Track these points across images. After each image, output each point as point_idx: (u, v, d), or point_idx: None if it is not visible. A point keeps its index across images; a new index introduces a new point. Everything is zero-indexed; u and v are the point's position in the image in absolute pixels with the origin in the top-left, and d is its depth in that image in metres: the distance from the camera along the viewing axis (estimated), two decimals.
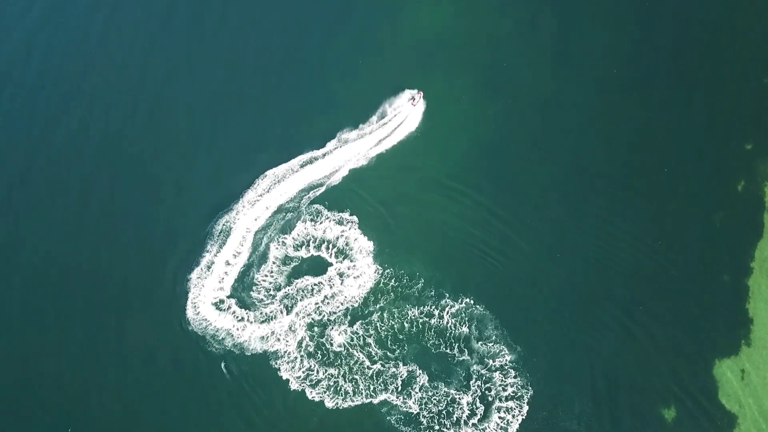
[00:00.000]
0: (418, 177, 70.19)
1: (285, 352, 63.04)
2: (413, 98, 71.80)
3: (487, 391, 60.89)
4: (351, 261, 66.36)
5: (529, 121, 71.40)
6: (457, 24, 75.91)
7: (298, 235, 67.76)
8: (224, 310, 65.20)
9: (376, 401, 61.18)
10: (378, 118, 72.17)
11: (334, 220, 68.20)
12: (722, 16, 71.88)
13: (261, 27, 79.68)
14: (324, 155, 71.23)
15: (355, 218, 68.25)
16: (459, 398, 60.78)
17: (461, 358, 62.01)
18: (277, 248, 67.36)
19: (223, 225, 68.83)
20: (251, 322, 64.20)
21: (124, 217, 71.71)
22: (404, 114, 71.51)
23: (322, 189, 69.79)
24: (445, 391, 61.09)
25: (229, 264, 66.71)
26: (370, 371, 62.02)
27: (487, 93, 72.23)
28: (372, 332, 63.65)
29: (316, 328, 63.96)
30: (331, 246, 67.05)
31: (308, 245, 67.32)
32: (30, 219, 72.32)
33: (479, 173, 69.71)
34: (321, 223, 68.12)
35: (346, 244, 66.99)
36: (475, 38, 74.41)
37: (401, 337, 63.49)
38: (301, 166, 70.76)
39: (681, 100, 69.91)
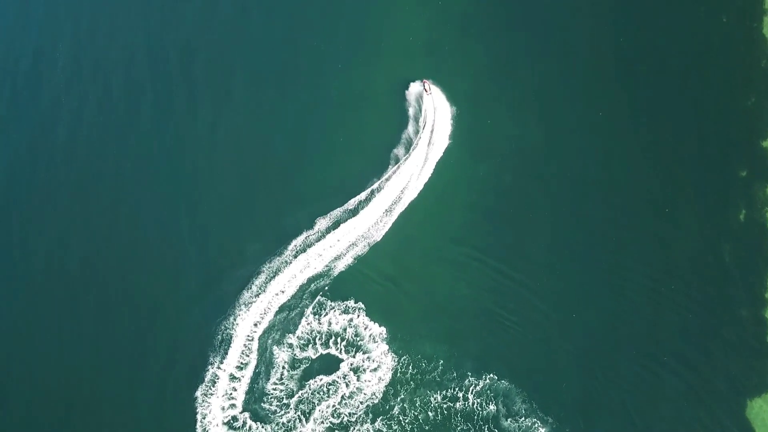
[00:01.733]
0: (420, 249, 67.44)
1: None
2: (425, 89, 69.61)
3: None
4: (364, 352, 62.93)
5: (522, 177, 68.91)
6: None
7: (303, 333, 64.05)
8: (238, 428, 60.86)
9: None
10: (367, 193, 68.94)
11: (339, 309, 64.74)
12: (701, 42, 71.12)
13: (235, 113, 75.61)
14: (318, 239, 67.59)
15: (361, 305, 64.96)
16: None
17: None
18: (283, 351, 63.47)
19: (223, 333, 64.60)
20: None
21: (114, 339, 66.86)
22: (397, 182, 68.51)
23: (322, 277, 66.21)
24: None
25: (235, 378, 62.45)
26: None
27: (474, 153, 69.67)
28: (396, 428, 60.29)
29: None
30: (339, 339, 63.54)
31: (315, 343, 63.66)
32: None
33: (482, 236, 67.21)
34: (325, 315, 64.51)
35: (356, 335, 63.59)
36: (456, 100, 71.63)
37: (427, 428, 60.35)
38: (295, 256, 66.92)
39: (669, 137, 68.44)
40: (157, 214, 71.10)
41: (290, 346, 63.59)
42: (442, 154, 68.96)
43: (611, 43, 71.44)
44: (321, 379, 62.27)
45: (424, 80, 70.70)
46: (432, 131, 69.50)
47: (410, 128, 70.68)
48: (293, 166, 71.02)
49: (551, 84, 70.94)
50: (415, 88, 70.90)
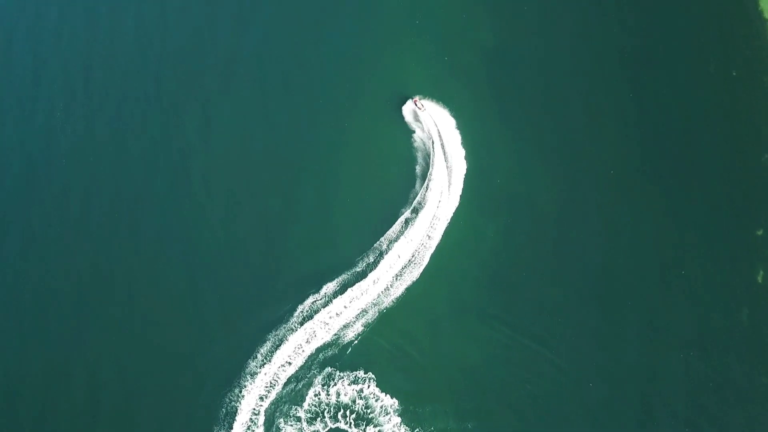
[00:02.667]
0: (431, 315, 65.33)
1: None
2: (417, 106, 69.30)
3: None
4: (375, 426, 60.66)
5: (532, 234, 67.50)
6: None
7: (311, 405, 61.73)
8: None
9: None
10: (374, 255, 67.13)
11: (348, 380, 62.54)
12: (712, 98, 70.11)
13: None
14: (325, 304, 65.55)
15: (371, 375, 62.78)
16: None
17: None
18: (290, 425, 61.08)
19: (227, 406, 62.19)
20: None
21: (113, 410, 64.17)
22: (405, 245, 66.82)
23: (330, 347, 64.07)
24: None
25: None
26: None
27: (483, 213, 68.14)
28: None
29: None
30: (348, 412, 61.25)
31: (323, 416, 61.32)
32: None
33: (494, 301, 65.37)
34: (334, 385, 62.29)
35: (366, 407, 61.36)
36: (467, 157, 70.17)
37: None
38: (301, 323, 64.79)
39: (682, 197, 67.20)
40: (154, 279, 68.79)
41: (298, 419, 61.29)
42: (452, 214, 67.31)
43: (620, 99, 70.61)
44: None
45: (415, 98, 69.98)
46: (441, 191, 68.03)
47: (418, 186, 69.18)
48: (296, 227, 69.17)
49: (562, 141, 69.81)
50: (408, 108, 70.55)
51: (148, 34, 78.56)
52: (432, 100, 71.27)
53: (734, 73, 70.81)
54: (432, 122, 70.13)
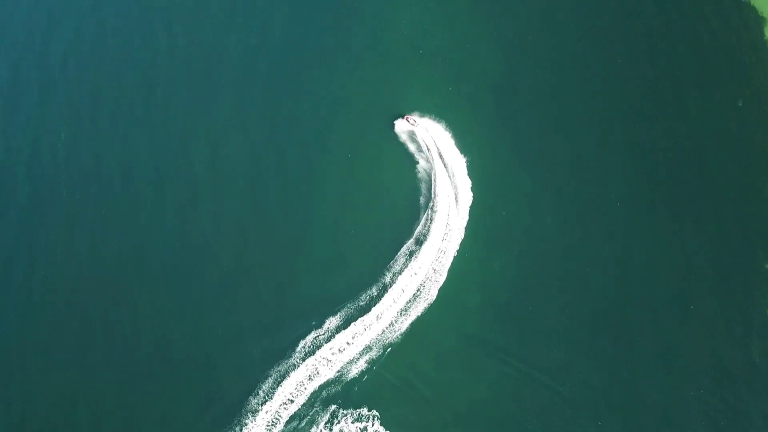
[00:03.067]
0: (437, 350, 63.92)
1: None
2: (410, 123, 69.45)
3: None
4: None
5: (539, 267, 66.36)
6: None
7: None
8: None
9: None
10: (378, 288, 65.97)
11: (351, 417, 60.96)
12: (718, 129, 69.48)
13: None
14: (328, 339, 64.23)
15: (375, 412, 61.21)
16: None
17: None
18: None
19: None
20: None
21: None
22: (409, 277, 65.73)
23: (333, 383, 62.59)
24: None
25: None
26: None
27: (490, 245, 67.10)
28: None
29: None
30: None
31: None
32: None
33: (501, 335, 64.01)
34: (337, 423, 60.72)
35: None
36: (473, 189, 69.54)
37: None
38: (303, 359, 63.42)
39: (690, 230, 66.14)
40: (156, 313, 67.38)
41: None
42: (458, 247, 66.33)
43: (627, 129, 70.13)
44: None
45: (407, 116, 69.77)
46: (446, 223, 67.15)
47: (422, 217, 68.30)
48: (298, 260, 67.94)
49: (569, 172, 69.07)
50: (401, 126, 70.38)
51: (155, 65, 77.99)
52: (434, 122, 71.00)
53: (740, 103, 70.26)
54: (429, 139, 69.87)
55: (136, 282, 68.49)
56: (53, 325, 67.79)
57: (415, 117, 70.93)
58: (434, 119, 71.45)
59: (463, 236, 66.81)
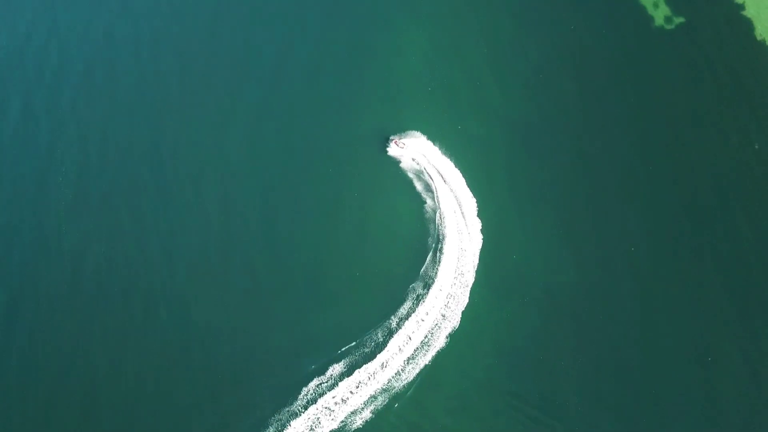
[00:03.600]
0: (446, 398, 61.41)
1: None
2: (399, 144, 68.94)
3: None
4: None
5: (549, 315, 64.02)
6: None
7: None
8: None
9: None
10: (384, 334, 63.52)
11: None
12: (736, 173, 67.95)
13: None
14: (331, 387, 61.55)
15: None
16: None
17: None
18: None
19: None
20: None
21: None
22: (417, 325, 63.38)
23: None
24: None
25: None
26: None
27: (499, 291, 64.89)
28: None
29: None
30: None
31: None
32: None
33: (511, 383, 61.78)
34: None
35: None
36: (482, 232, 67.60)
37: None
38: (305, 408, 60.71)
39: (710, 281, 64.10)
40: (152, 359, 64.60)
41: None
42: (468, 293, 64.14)
43: (641, 175, 68.65)
44: None
45: (394, 140, 69.18)
46: (456, 266, 65.07)
47: (429, 261, 66.14)
48: (301, 303, 65.51)
49: (581, 217, 67.32)
50: (395, 151, 69.79)
51: (166, 103, 76.46)
52: (442, 159, 69.81)
53: (756, 146, 68.87)
54: (436, 176, 68.59)
55: (140, 322, 65.81)
56: (57, 377, 64.63)
57: (403, 140, 69.91)
58: (444, 157, 70.00)
59: (473, 280, 64.56)
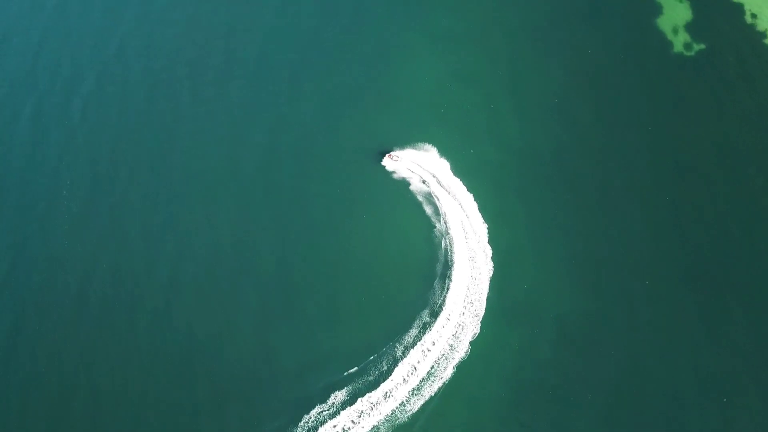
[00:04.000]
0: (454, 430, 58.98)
1: None
2: (393, 157, 68.24)
3: None
4: None
5: (559, 348, 61.73)
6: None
7: None
8: None
9: None
10: (388, 362, 61.44)
11: None
12: (760, 211, 66.15)
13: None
14: (333, 415, 59.41)
15: None
16: None
17: None
18: None
19: None
20: None
21: None
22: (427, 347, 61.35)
23: None
24: None
25: None
26: None
27: (509, 321, 62.74)
28: None
29: None
30: None
31: None
32: None
33: (522, 414, 59.37)
34: None
35: None
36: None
37: None
38: None
39: (724, 316, 61.80)
40: (159, 376, 63.00)
41: None
42: (479, 323, 62.09)
43: (660, 211, 66.73)
44: None
45: (389, 154, 69.14)
46: (466, 295, 63.06)
47: (438, 288, 64.17)
48: (304, 326, 63.72)
49: (594, 248, 65.27)
50: (390, 164, 69.23)
51: (177, 120, 75.83)
52: (454, 183, 68.33)
53: None
54: (447, 200, 67.25)
55: (145, 339, 64.33)
56: (60, 391, 62.98)
57: (397, 153, 69.04)
58: (456, 179, 68.47)
59: (483, 311, 62.46)
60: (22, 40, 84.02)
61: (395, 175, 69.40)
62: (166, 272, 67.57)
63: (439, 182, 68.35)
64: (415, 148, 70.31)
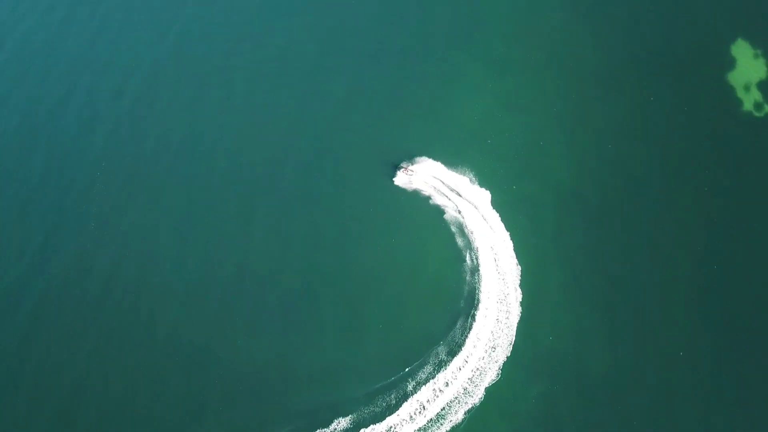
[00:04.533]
0: None
1: None
2: (407, 172, 67.10)
3: None
4: None
5: (578, 405, 58.32)
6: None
7: None
8: None
9: None
10: (397, 395, 58.78)
11: None
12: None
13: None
14: None
15: None
16: None
17: None
18: None
19: None
20: None
21: None
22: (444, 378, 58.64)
23: None
24: None
25: None
26: None
27: (529, 371, 59.45)
28: None
29: None
30: None
31: None
32: None
33: None
34: None
35: None
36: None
37: None
38: None
39: (757, 388, 57.76)
40: (170, 390, 61.99)
41: None
42: (499, 369, 59.01)
43: (705, 274, 62.55)
44: None
45: (403, 167, 67.48)
46: (489, 338, 60.00)
47: (459, 326, 61.27)
48: (315, 349, 61.73)
49: (626, 302, 61.63)
50: (401, 179, 67.60)
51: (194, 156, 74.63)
52: (494, 215, 65.81)
53: None
54: (470, 218, 65.17)
55: (161, 350, 63.38)
56: (70, 402, 62.26)
57: (411, 167, 67.18)
58: (494, 212, 65.78)
59: (506, 357, 59.28)
60: (81, 24, 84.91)
61: (431, 202, 66.88)
62: (194, 276, 66.43)
63: (476, 213, 65.52)
64: (457, 172, 67.90)
